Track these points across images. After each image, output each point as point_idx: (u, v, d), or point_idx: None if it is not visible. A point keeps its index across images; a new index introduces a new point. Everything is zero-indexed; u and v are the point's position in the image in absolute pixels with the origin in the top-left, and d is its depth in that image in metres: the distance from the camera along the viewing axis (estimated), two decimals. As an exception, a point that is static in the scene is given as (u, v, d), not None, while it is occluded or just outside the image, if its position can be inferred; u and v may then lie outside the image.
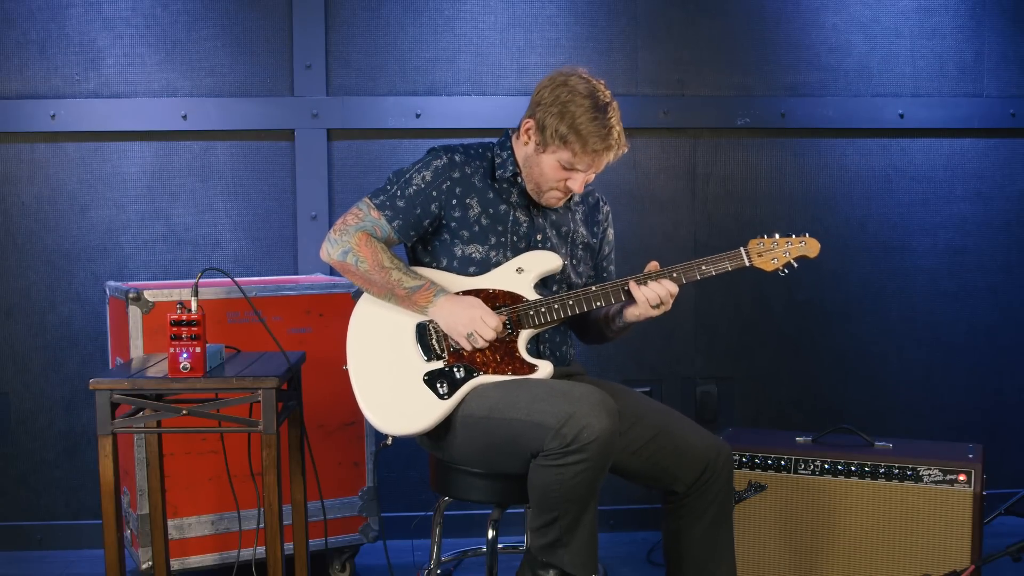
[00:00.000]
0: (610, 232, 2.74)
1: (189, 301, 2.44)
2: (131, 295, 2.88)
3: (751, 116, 3.67)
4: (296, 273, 3.56)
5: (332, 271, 3.53)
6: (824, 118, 3.70)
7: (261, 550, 2.79)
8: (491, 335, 2.44)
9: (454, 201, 2.51)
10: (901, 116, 3.73)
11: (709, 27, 3.68)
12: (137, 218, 3.52)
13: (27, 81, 3.45)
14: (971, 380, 3.83)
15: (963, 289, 3.82)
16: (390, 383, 2.48)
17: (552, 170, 2.48)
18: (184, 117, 3.48)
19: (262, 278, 3.39)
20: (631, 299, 2.48)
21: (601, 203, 2.74)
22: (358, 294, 3.08)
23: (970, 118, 3.76)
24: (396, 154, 3.59)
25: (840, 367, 3.79)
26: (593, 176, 2.51)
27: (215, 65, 3.52)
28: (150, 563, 2.88)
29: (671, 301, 2.48)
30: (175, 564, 2.94)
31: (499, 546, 2.64)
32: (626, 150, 2.50)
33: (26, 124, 3.43)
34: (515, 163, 2.56)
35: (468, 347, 2.46)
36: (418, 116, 3.56)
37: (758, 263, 2.51)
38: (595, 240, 2.69)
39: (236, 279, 2.72)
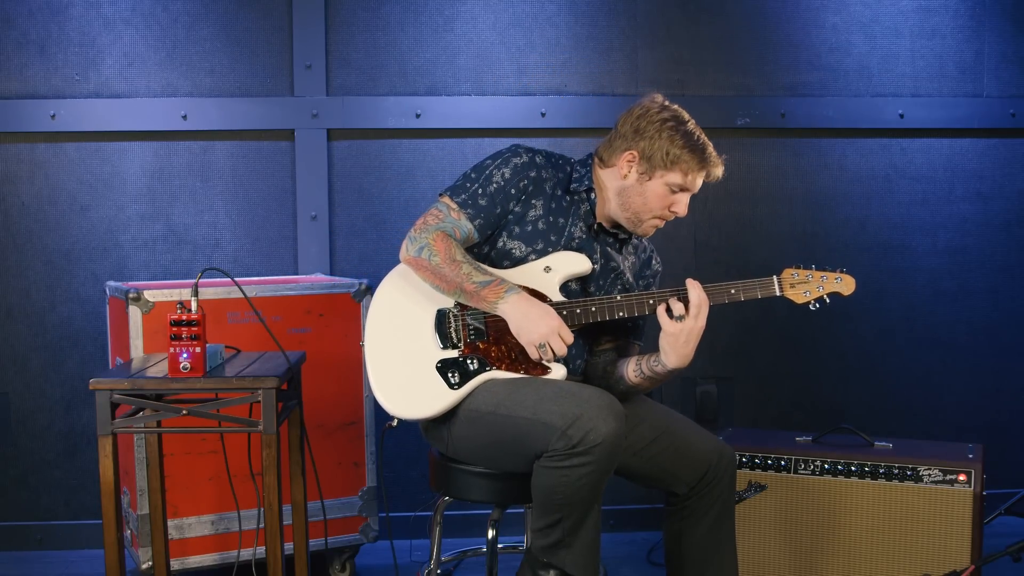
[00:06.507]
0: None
1: (189, 301, 2.44)
2: (131, 295, 2.88)
3: (751, 116, 3.67)
4: (296, 273, 3.55)
5: (332, 271, 3.54)
6: (824, 118, 3.70)
7: (261, 550, 2.80)
8: (563, 353, 2.40)
9: (523, 197, 2.50)
10: (901, 116, 3.72)
11: (709, 27, 3.68)
12: (137, 218, 3.52)
13: (27, 81, 3.45)
14: (971, 380, 3.83)
15: (963, 289, 3.82)
16: (402, 366, 2.47)
17: (658, 197, 2.48)
18: (184, 117, 3.48)
19: (262, 278, 3.39)
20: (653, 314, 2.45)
21: (654, 262, 2.71)
22: (359, 294, 3.10)
23: (970, 118, 3.76)
24: (396, 154, 3.59)
25: (840, 367, 3.79)
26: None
27: (215, 65, 3.51)
28: (150, 563, 2.88)
29: (700, 312, 2.39)
30: (175, 564, 2.94)
31: (499, 546, 2.64)
32: (723, 170, 2.53)
33: (26, 124, 3.43)
34: (591, 180, 2.54)
35: (535, 355, 2.41)
36: (418, 116, 3.56)
37: (789, 294, 2.47)
38: (635, 290, 2.65)
39: (236, 279, 2.73)
